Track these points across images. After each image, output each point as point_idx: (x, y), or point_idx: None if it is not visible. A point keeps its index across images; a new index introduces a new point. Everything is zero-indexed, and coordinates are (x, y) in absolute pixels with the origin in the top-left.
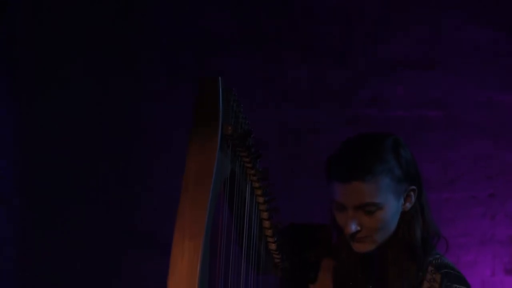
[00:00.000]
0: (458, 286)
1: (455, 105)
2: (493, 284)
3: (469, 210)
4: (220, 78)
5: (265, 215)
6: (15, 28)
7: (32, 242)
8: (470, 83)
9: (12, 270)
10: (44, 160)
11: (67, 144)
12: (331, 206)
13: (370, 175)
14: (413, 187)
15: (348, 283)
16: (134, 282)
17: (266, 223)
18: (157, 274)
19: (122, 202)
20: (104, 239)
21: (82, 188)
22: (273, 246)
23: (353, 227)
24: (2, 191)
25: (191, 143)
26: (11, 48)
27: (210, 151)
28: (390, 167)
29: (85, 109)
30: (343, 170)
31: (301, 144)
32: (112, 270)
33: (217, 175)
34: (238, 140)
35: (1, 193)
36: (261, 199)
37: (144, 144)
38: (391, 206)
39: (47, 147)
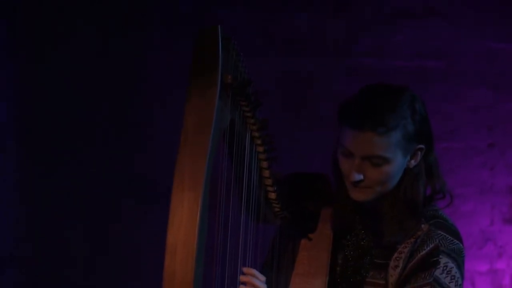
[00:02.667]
0: (442, 232)
1: (455, 55)
2: (492, 234)
3: (469, 160)
4: (219, 27)
5: (264, 164)
6: None
7: (32, 193)
8: (470, 32)
9: (13, 216)
10: (44, 111)
11: (67, 94)
12: (337, 150)
13: (384, 128)
14: (422, 146)
15: (345, 232)
16: (134, 233)
17: (266, 173)
18: (157, 224)
19: (122, 152)
20: (105, 189)
21: (81, 138)
22: (272, 196)
23: (356, 176)
24: (2, 139)
25: (191, 92)
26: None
27: (210, 100)
28: (405, 124)
29: (85, 61)
30: (358, 117)
31: (301, 94)
32: (112, 220)
33: (217, 124)
34: (238, 89)
35: (1, 141)
36: (260, 149)
37: (144, 94)
38: (398, 161)
39: (47, 97)
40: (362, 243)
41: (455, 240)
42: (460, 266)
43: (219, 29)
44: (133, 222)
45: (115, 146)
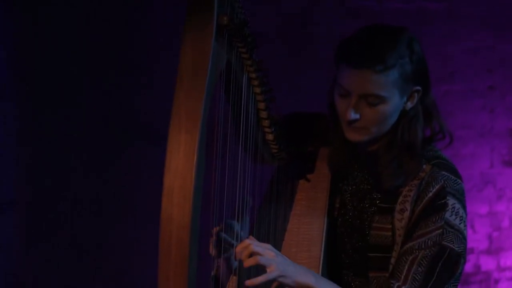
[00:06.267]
0: (445, 173)
1: None
2: (492, 176)
3: (469, 102)
4: None
5: (262, 105)
6: None
7: (33, 136)
8: None
9: (13, 159)
10: (43, 56)
11: (67, 38)
12: (334, 90)
13: (382, 66)
14: (418, 87)
15: (342, 176)
16: (134, 175)
17: (263, 114)
18: (157, 166)
19: (123, 94)
20: (105, 132)
21: (82, 81)
22: (270, 137)
23: (353, 115)
24: (1, 84)
25: (185, 34)
26: None
27: (205, 42)
28: (403, 63)
29: (84, 5)
30: (356, 55)
31: (301, 37)
32: (113, 163)
33: (213, 66)
34: (234, 30)
35: (1, 86)
36: (257, 90)
37: (144, 38)
38: (394, 102)
39: (47, 43)
40: (361, 187)
41: (458, 180)
42: (465, 207)
43: None
44: (133, 164)
45: (116, 89)
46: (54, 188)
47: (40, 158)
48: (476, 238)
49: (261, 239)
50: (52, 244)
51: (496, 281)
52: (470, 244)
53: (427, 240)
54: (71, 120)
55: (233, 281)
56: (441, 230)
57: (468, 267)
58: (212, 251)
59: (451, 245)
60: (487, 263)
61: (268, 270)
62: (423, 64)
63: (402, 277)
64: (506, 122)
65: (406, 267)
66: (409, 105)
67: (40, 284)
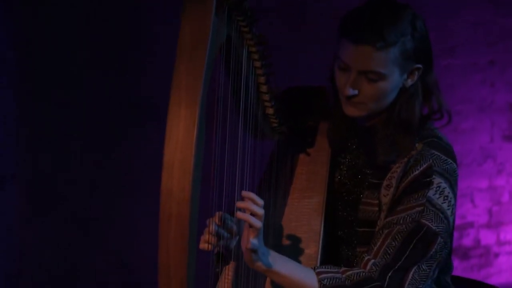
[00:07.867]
0: (435, 152)
1: None
2: (492, 150)
3: (469, 77)
4: None
5: (262, 79)
6: None
7: (33, 112)
8: None
9: (14, 134)
10: (44, 35)
11: (68, 16)
12: (334, 64)
13: (383, 43)
14: (419, 65)
15: (340, 150)
16: (134, 151)
17: (263, 88)
18: (157, 141)
19: (124, 69)
20: (105, 107)
21: (82, 61)
22: (270, 111)
23: (351, 91)
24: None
25: (185, 9)
26: None
27: (205, 16)
28: (404, 41)
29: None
30: (357, 31)
31: (300, 11)
32: (113, 137)
33: (213, 40)
34: (234, 5)
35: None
36: (258, 64)
37: (145, 14)
38: (394, 79)
39: (48, 22)
40: (356, 161)
41: (448, 160)
42: (453, 186)
43: None
44: (133, 140)
45: (116, 63)
46: (54, 166)
47: (40, 137)
48: (476, 213)
49: None
50: (52, 219)
51: (496, 255)
52: (470, 218)
53: (406, 216)
54: (70, 96)
55: (230, 267)
56: (421, 207)
57: (468, 241)
58: (203, 245)
59: (429, 224)
60: (487, 237)
61: (251, 229)
62: (426, 42)
63: (375, 249)
64: (506, 97)
65: (381, 240)
66: (409, 82)
67: (41, 257)
